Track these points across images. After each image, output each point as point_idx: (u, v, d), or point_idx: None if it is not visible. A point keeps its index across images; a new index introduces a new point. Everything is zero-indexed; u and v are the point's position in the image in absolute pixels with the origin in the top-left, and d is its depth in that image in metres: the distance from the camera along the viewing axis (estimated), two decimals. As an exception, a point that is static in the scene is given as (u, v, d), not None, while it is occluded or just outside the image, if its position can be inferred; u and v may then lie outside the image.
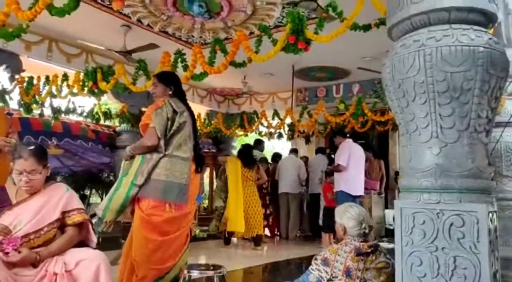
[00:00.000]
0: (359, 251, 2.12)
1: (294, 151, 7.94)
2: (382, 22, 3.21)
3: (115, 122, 8.07)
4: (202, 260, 5.00)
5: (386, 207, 7.79)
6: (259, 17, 5.37)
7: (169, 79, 3.07)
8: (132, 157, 2.97)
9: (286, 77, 7.86)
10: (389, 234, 7.18)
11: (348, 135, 7.06)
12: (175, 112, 2.88)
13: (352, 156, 5.51)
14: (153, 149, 2.83)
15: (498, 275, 1.46)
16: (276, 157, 8.21)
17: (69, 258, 2.17)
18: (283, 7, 5.06)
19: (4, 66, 5.93)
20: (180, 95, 3.05)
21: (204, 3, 4.82)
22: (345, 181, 5.47)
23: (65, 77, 5.92)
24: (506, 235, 2.55)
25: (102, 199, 7.26)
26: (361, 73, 7.47)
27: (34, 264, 2.13)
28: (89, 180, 8.77)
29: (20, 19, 3.13)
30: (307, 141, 8.76)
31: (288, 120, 8.36)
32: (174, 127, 2.85)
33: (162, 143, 2.83)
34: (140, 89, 5.34)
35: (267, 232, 7.69)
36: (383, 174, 7.79)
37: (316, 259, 2.20)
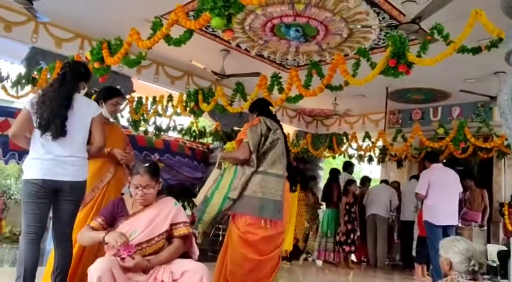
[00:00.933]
0: None
1: (385, 182, 7.88)
2: (494, 44, 3.01)
3: (209, 140, 8.52)
4: None
5: (489, 242, 7.09)
6: (354, 40, 5.35)
7: (252, 106, 3.37)
8: (220, 165, 3.11)
9: (379, 99, 7.66)
10: (491, 272, 6.51)
11: (443, 160, 6.62)
12: (269, 129, 3.00)
13: (434, 183, 5.11)
14: (245, 163, 2.93)
15: None
16: (365, 180, 8.00)
17: (175, 268, 2.33)
18: (381, 30, 4.99)
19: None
20: (268, 116, 3.17)
21: (300, 28, 4.94)
22: (426, 210, 5.14)
23: (170, 98, 6.45)
24: None
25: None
26: (462, 95, 6.98)
27: (145, 271, 2.33)
28: (182, 193, 9.31)
29: (140, 47, 3.53)
30: (399, 165, 8.36)
31: (379, 143, 8.09)
32: (267, 144, 2.94)
33: (254, 157, 2.92)
34: (236, 110, 5.61)
35: (353, 257, 7.46)
36: (486, 204, 7.13)
37: None
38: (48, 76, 5.17)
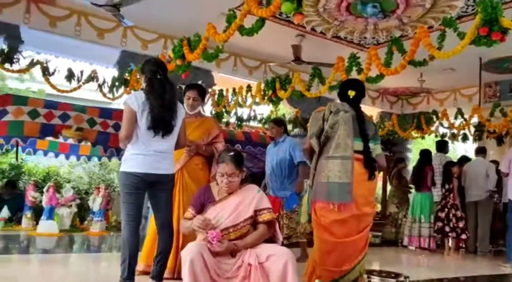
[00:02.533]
0: None
1: (481, 152, 6.97)
2: None
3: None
4: (376, 267, 4.86)
5: None
6: (439, 10, 4.92)
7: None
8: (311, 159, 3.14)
9: (471, 72, 7.00)
10: None
11: None
12: (330, 113, 2.96)
13: None
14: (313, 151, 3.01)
15: None
16: (464, 160, 7.34)
17: (261, 252, 2.41)
18: (469, -5, 4.55)
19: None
20: (344, 99, 3.13)
21: (378, 3, 4.68)
22: (510, 189, 5.19)
23: (249, 88, 6.59)
24: None
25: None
26: None
27: (232, 254, 2.45)
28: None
29: (216, 41, 3.65)
30: (500, 143, 7.60)
31: (474, 120, 7.44)
32: (327, 128, 2.92)
33: (314, 142, 2.95)
34: (314, 95, 5.55)
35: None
36: None
37: None
38: (138, 76, 5.58)
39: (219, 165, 2.56)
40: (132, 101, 2.75)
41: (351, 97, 3.09)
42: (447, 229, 6.29)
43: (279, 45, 6.42)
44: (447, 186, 6.46)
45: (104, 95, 6.61)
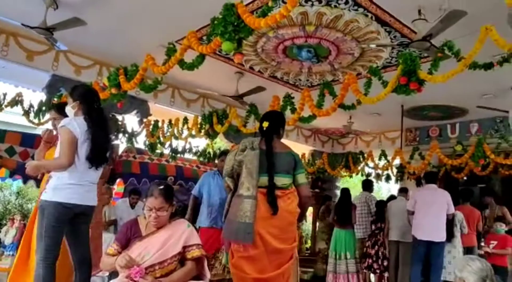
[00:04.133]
0: None
1: (403, 191, 7.29)
2: (506, 59, 2.99)
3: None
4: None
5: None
6: (367, 59, 5.38)
7: None
8: None
9: (395, 117, 7.59)
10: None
11: (464, 178, 6.58)
12: (242, 151, 2.97)
13: (418, 201, 5.67)
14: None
15: None
16: (392, 199, 7.70)
17: (188, 290, 2.33)
18: (392, 48, 5.01)
19: (135, 111, 6.78)
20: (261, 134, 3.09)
21: (312, 49, 5.00)
22: (413, 226, 5.66)
23: (185, 120, 6.56)
24: None
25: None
26: (481, 111, 6.88)
27: (157, 293, 2.34)
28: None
29: (155, 73, 3.63)
30: (418, 184, 8.18)
31: (396, 162, 7.99)
32: (235, 167, 2.94)
33: (229, 182, 2.99)
34: (249, 131, 5.66)
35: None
36: (509, 220, 6.87)
37: None
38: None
39: (147, 199, 2.48)
40: (74, 127, 2.65)
41: (264, 128, 3.05)
42: (375, 266, 6.52)
43: (218, 80, 6.53)
44: (378, 224, 6.71)
45: (29, 120, 6.21)
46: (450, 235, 5.98)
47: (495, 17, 3.22)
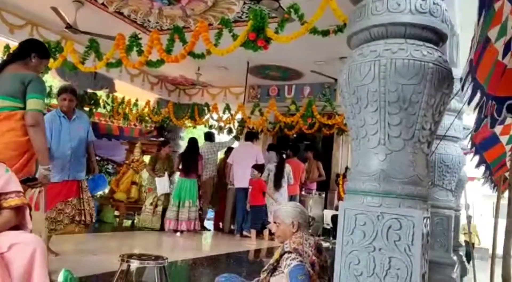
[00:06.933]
0: (320, 246, 2.16)
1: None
2: (340, 29, 3.32)
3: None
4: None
5: (326, 207, 8.08)
6: (219, 10, 5.34)
7: None
8: None
9: (240, 73, 7.89)
10: (325, 233, 7.47)
11: (293, 135, 7.52)
12: None
13: (235, 154, 7.11)
14: None
15: (426, 276, 1.58)
16: (230, 149, 8.05)
17: (2, 240, 2.04)
18: (244, 3, 5.07)
19: None
20: None
21: (165, -12, 4.70)
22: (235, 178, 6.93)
23: (7, 48, 5.53)
24: (431, 240, 2.75)
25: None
26: (313, 76, 7.67)
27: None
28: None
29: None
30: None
31: (238, 116, 8.39)
32: None
33: None
34: (88, 70, 5.12)
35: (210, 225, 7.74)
36: (321, 174, 8.02)
37: (290, 252, 2.04)
38: None
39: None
40: None
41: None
42: None
43: (51, 6, 5.63)
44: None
45: None
46: (278, 185, 6.70)
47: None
